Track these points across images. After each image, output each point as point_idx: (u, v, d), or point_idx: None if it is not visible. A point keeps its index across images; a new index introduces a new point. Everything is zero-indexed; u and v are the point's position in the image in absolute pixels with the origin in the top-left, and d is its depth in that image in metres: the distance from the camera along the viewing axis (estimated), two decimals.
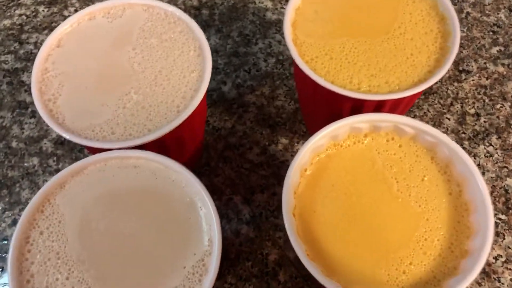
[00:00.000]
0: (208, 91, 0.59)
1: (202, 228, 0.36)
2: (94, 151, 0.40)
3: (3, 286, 0.49)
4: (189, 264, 0.35)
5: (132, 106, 0.40)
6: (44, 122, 0.57)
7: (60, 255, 0.35)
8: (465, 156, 0.37)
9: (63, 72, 0.42)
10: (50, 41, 0.43)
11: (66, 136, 0.39)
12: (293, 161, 0.38)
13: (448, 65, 0.40)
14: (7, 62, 0.63)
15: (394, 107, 0.42)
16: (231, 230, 0.52)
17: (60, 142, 0.57)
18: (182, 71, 0.42)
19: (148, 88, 0.41)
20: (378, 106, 0.41)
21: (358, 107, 0.42)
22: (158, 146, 0.40)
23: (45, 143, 0.57)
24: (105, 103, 0.41)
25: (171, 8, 0.45)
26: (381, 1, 0.45)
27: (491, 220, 0.35)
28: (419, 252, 0.36)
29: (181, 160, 0.47)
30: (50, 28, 0.65)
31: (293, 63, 0.48)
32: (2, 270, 0.50)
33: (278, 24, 0.64)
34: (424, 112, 0.57)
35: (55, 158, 0.56)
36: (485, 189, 0.36)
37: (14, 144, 0.57)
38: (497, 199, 0.52)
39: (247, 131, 0.57)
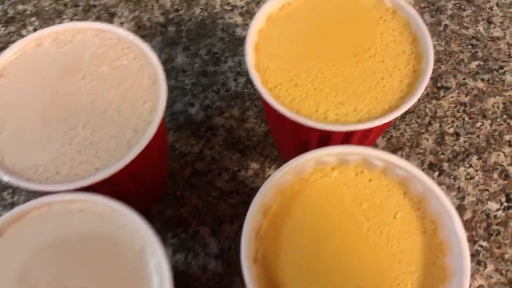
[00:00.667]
0: (173, 113, 0.56)
1: (152, 281, 0.33)
2: (37, 193, 0.36)
3: None
4: None
5: (79, 142, 0.37)
6: None
7: None
8: (439, 192, 0.34)
9: (6, 105, 0.39)
10: None
11: (5, 178, 0.35)
12: (254, 199, 0.35)
13: (421, 90, 0.38)
14: None
15: (364, 136, 0.39)
16: (198, 265, 0.48)
17: None
18: (134, 101, 0.39)
19: (98, 121, 0.38)
20: (347, 136, 0.39)
21: (325, 137, 0.39)
22: (110, 185, 0.37)
23: None
24: (50, 139, 0.37)
25: (124, 33, 0.41)
26: (350, 20, 0.42)
27: (467, 262, 0.32)
28: None
29: (141, 196, 0.44)
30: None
31: None
32: None
33: None
34: (401, 133, 0.54)
35: (10, 191, 0.52)
36: (460, 228, 0.33)
37: None
38: (478, 224, 0.49)
39: (215, 156, 0.53)
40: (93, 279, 0.33)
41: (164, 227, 0.50)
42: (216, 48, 0.60)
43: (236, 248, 0.49)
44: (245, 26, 0.62)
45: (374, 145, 0.53)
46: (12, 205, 0.51)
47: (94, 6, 0.65)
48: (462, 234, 0.33)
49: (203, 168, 0.53)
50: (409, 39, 0.41)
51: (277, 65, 0.40)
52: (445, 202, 0.34)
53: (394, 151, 0.53)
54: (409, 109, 0.52)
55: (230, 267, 0.48)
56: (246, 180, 0.52)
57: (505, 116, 0.55)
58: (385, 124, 0.37)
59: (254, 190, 0.51)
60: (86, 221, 0.35)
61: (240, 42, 0.61)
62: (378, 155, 0.36)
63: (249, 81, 0.58)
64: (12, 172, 0.36)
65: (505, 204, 0.50)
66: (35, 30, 0.62)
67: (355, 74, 0.40)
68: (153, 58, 0.40)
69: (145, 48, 0.40)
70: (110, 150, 0.37)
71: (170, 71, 0.59)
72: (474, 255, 0.47)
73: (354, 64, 0.40)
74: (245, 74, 0.58)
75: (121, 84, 0.39)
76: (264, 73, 0.40)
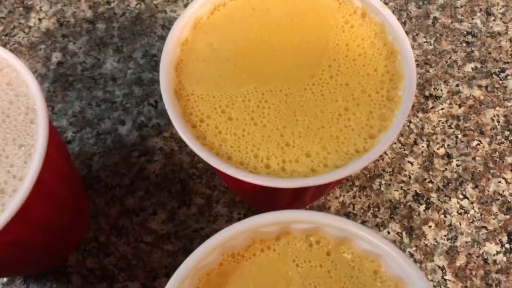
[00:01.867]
0: (100, 134, 0.45)
1: None
2: None
3: None
4: None
5: None
6: None
7: None
8: (419, 274, 0.24)
9: None
10: None
11: None
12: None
13: (398, 126, 0.27)
14: None
15: (319, 190, 0.29)
16: None
17: None
18: (4, 145, 0.28)
19: None
20: (298, 191, 0.28)
21: (270, 191, 0.28)
22: None
23: None
24: None
25: None
26: (306, 27, 0.31)
27: None
28: None
29: (48, 250, 0.34)
30: None
31: None
32: None
33: None
34: (380, 156, 0.44)
35: None
36: None
37: None
38: (473, 272, 0.39)
39: (150, 188, 0.43)
40: None
41: (84, 282, 0.40)
42: (154, 50, 0.49)
43: None
44: None
45: None
46: None
47: None
48: None
49: (134, 205, 0.43)
50: (383, 53, 0.30)
51: (205, 90, 0.30)
52: None
53: (371, 178, 0.43)
54: None
55: None
56: (188, 219, 0.42)
57: (507, 133, 0.45)
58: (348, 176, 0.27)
59: (197, 233, 0.41)
60: None
61: None
62: (336, 224, 0.25)
63: None
64: None
65: (507, 245, 0.40)
66: None
67: (310, 103, 0.29)
68: (33, 85, 0.29)
69: (23, 71, 0.29)
70: None
71: (97, 80, 0.48)
72: None
73: (309, 88, 0.29)
74: None
75: None
76: (187, 103, 0.29)
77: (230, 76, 0.30)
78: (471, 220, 0.41)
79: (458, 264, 0.40)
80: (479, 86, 0.47)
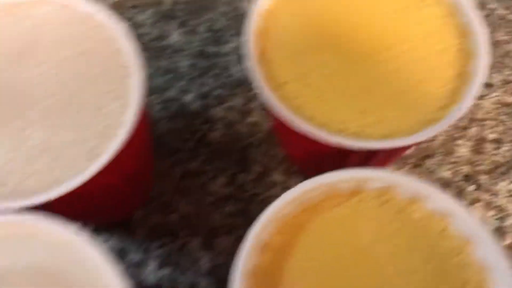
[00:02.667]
0: (165, 101, 0.48)
1: None
2: None
3: None
4: None
5: (31, 147, 0.30)
6: None
7: None
8: (488, 240, 0.26)
9: None
10: None
11: None
12: (250, 234, 0.27)
13: (468, 99, 0.29)
14: None
15: (389, 155, 0.31)
16: (186, 284, 0.41)
17: None
18: (100, 98, 0.31)
19: (54, 122, 0.30)
20: (369, 153, 0.30)
21: (342, 153, 0.31)
22: (71, 200, 0.29)
23: None
24: None
25: (94, 8, 0.33)
26: (382, 4, 0.33)
27: None
28: None
29: (117, 205, 0.37)
30: None
31: None
32: None
33: None
34: (432, 137, 0.45)
35: None
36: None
37: None
38: None
39: (211, 154, 0.46)
40: None
41: (148, 236, 0.43)
42: (218, 25, 0.52)
43: (232, 264, 0.41)
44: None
45: None
46: None
47: None
48: None
49: (196, 168, 0.45)
50: (455, 32, 0.32)
51: (286, 56, 0.32)
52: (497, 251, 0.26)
53: (422, 159, 0.44)
54: None
55: (224, 287, 0.41)
56: (246, 185, 0.45)
57: None
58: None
59: (256, 197, 0.44)
60: (35, 251, 0.28)
61: (245, 19, 0.52)
62: (410, 184, 0.28)
63: None
64: None
65: None
66: None
67: (385, 74, 0.31)
68: (128, 44, 0.32)
69: (119, 30, 0.32)
70: (69, 158, 0.29)
71: (162, 50, 0.50)
72: None
73: (383, 60, 0.32)
74: None
75: (84, 74, 0.31)
76: (269, 67, 0.32)
77: (310, 45, 0.32)
78: None
79: (506, 243, 0.42)
80: None
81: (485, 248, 0.26)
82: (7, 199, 0.28)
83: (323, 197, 0.29)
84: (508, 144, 0.45)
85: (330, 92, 0.31)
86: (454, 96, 0.30)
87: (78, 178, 0.28)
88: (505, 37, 0.50)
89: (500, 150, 0.45)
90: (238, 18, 0.52)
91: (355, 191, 0.29)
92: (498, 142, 0.45)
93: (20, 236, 0.28)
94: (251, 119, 0.47)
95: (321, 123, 0.30)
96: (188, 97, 0.48)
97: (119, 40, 0.32)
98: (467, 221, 0.27)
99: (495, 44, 0.50)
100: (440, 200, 0.27)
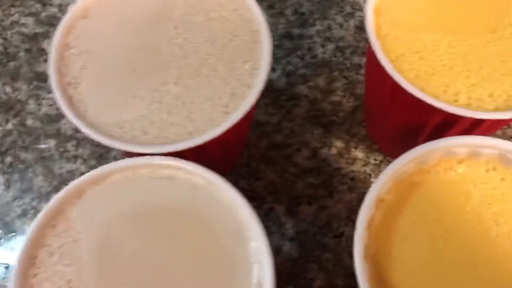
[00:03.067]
0: None
1: (250, 266, 0.29)
2: (122, 153, 0.32)
3: None
4: None
5: (171, 100, 0.33)
6: None
7: (72, 284, 0.29)
8: None
9: (88, 50, 0.35)
10: (75, 10, 0.35)
11: (88, 132, 0.31)
12: (371, 189, 0.30)
13: None
14: (27, 25, 0.55)
15: (491, 127, 0.33)
16: (271, 246, 0.44)
17: None
18: (233, 60, 0.34)
19: (191, 79, 0.33)
20: (473, 125, 0.33)
21: (448, 123, 0.33)
22: (196, 151, 0.32)
23: (64, 124, 0.50)
24: (138, 95, 0.33)
25: None
26: None
27: None
28: None
29: (220, 164, 0.39)
30: None
31: (367, 57, 0.39)
32: (7, 267, 0.44)
33: (340, 4, 0.55)
34: None
35: (74, 142, 0.49)
36: None
37: (29, 121, 0.50)
38: None
39: (296, 129, 0.49)
40: (180, 257, 0.29)
41: None
42: (303, 8, 0.54)
43: (314, 231, 0.44)
44: None
45: None
46: (76, 157, 0.48)
47: None
48: None
49: (281, 141, 0.48)
50: None
51: (400, 33, 0.34)
52: None
53: None
54: None
55: (305, 252, 0.43)
56: (329, 158, 0.47)
57: None
58: None
59: (337, 171, 0.47)
60: (176, 190, 0.31)
61: (330, 4, 0.55)
62: None
63: (338, 49, 0.52)
64: (95, 126, 0.32)
65: None
66: None
67: (492, 53, 0.34)
68: (257, 12, 0.35)
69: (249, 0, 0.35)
70: (204, 113, 0.32)
71: None
72: None
73: (491, 41, 0.34)
74: (335, 40, 0.53)
75: (217, 39, 0.34)
76: (385, 41, 0.34)
77: (422, 23, 0.35)
78: None
79: None
80: None
81: None
82: (150, 145, 0.31)
83: (438, 160, 0.31)
84: None
85: (441, 66, 0.33)
86: None
87: (213, 132, 0.31)
88: None
89: None
90: (323, 3, 0.55)
91: (468, 157, 0.31)
92: None
93: (163, 177, 0.31)
94: (334, 98, 0.50)
95: (434, 94, 0.33)
96: (275, 75, 0.51)
97: (249, 10, 0.35)
98: None
99: None
100: None
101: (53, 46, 0.34)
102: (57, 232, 0.30)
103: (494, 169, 0.32)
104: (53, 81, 0.33)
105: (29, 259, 0.29)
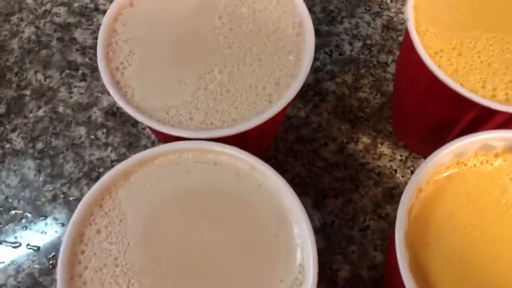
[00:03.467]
0: None
1: (293, 250, 0.29)
2: (165, 138, 0.33)
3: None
4: None
5: (216, 88, 0.33)
6: (95, 88, 0.51)
7: (119, 261, 0.29)
8: None
9: (135, 37, 0.35)
10: None
11: (136, 116, 0.32)
12: (412, 179, 0.31)
13: None
14: (59, 15, 0.56)
15: None
16: None
17: (112, 112, 0.50)
18: (277, 51, 0.35)
19: (235, 68, 0.34)
20: (507, 121, 0.34)
21: (482, 119, 0.34)
22: (237, 138, 0.33)
23: (94, 112, 0.50)
24: (183, 81, 0.34)
25: None
26: None
27: None
28: None
29: (253, 152, 0.40)
30: None
31: (402, 53, 0.40)
32: (38, 249, 0.45)
33: (368, 3, 0.55)
34: None
35: (104, 130, 0.49)
36: None
37: (61, 109, 0.51)
38: None
39: (323, 123, 0.49)
40: (225, 239, 0.30)
41: None
42: (332, 6, 0.55)
43: (340, 224, 0.45)
44: None
45: None
46: (106, 145, 0.49)
47: None
48: None
49: (308, 135, 0.49)
50: None
51: (438, 30, 0.35)
52: None
53: None
54: None
55: (331, 244, 0.44)
56: (355, 154, 0.48)
57: None
58: None
59: (363, 166, 0.47)
60: (220, 174, 0.31)
61: (358, 2, 0.55)
62: None
63: (366, 47, 0.53)
64: (143, 111, 0.33)
65: None
66: None
67: None
68: (300, 5, 0.36)
69: None
70: (248, 101, 0.33)
71: None
72: None
73: None
74: (362, 38, 0.54)
75: (261, 30, 0.35)
76: (423, 37, 0.35)
77: (460, 21, 0.36)
78: None
79: None
80: None
81: None
82: (194, 131, 0.32)
83: (475, 153, 0.32)
84: None
85: (479, 63, 0.34)
86: None
87: (256, 120, 0.32)
88: None
89: None
90: (351, 1, 0.56)
91: (504, 151, 0.32)
92: None
93: (207, 161, 0.32)
94: (361, 94, 0.51)
95: (472, 89, 0.33)
96: None
97: (293, 2, 0.36)
98: None
99: None
100: None
101: (101, 32, 0.34)
102: (105, 211, 0.30)
103: None
104: (100, 65, 0.33)
105: (77, 237, 0.30)
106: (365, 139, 0.49)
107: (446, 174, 0.32)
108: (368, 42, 0.53)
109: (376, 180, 0.47)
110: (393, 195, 0.46)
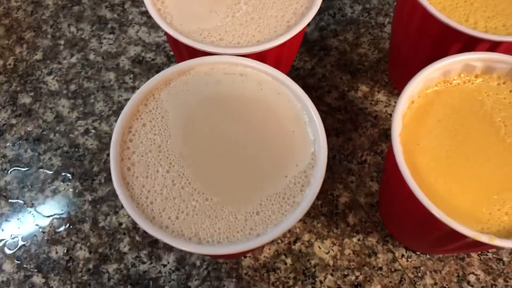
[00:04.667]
0: None
1: (307, 141, 0.35)
2: (198, 55, 0.39)
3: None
4: (290, 174, 0.34)
5: (242, 16, 0.39)
6: (123, 39, 0.57)
7: (161, 148, 0.35)
8: None
9: None
10: None
11: (175, 35, 0.38)
12: (405, 89, 0.37)
13: None
14: None
15: (508, 52, 0.40)
16: None
17: (138, 60, 0.56)
18: None
19: (258, 1, 0.40)
20: (491, 49, 0.40)
21: (469, 47, 0.40)
22: (260, 57, 0.39)
23: (122, 60, 0.56)
24: (214, 10, 0.40)
25: None
26: None
27: None
28: None
29: None
30: None
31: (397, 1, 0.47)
32: (72, 175, 0.50)
33: None
34: None
35: (131, 76, 0.55)
36: None
37: (91, 56, 0.56)
38: None
39: (326, 74, 0.56)
40: (250, 132, 0.35)
41: None
42: None
43: (340, 158, 0.51)
44: None
45: None
46: (133, 88, 0.55)
47: None
48: None
49: (313, 83, 0.55)
50: None
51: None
52: None
53: None
54: None
55: (333, 175, 0.50)
56: (355, 100, 0.54)
57: None
58: None
59: (362, 110, 0.54)
60: (245, 84, 0.37)
61: None
62: None
63: (365, 10, 0.60)
64: (180, 32, 0.39)
65: None
66: None
67: None
68: None
69: None
70: (270, 27, 0.39)
71: None
72: None
73: None
74: (362, 2, 0.60)
75: None
76: None
77: None
78: None
79: None
80: None
81: None
82: (225, 48, 0.38)
83: (459, 73, 0.39)
84: None
85: (463, 2, 0.41)
86: None
87: (276, 41, 0.38)
88: None
89: None
90: None
91: (482, 73, 0.39)
92: None
93: (235, 73, 0.38)
94: (360, 50, 0.57)
95: (457, 22, 0.40)
96: (308, 29, 0.58)
97: None
98: None
99: None
100: None
101: None
102: (149, 109, 0.36)
103: (504, 83, 0.39)
104: None
105: (126, 128, 0.35)
106: (364, 88, 0.55)
107: (435, 89, 0.39)
108: (367, 6, 0.60)
109: (373, 122, 0.53)
110: (388, 135, 0.52)
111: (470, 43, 0.40)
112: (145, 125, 0.36)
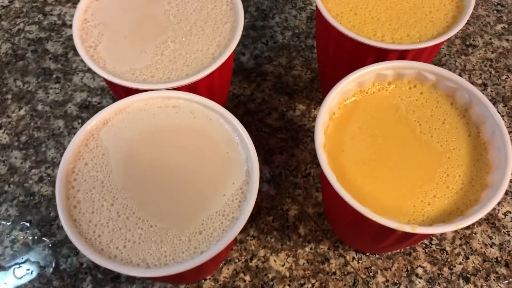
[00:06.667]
0: None
1: (240, 160, 0.38)
2: (133, 93, 0.42)
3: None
4: (228, 192, 0.37)
5: (170, 53, 0.43)
6: (68, 87, 0.59)
7: (104, 183, 0.37)
8: (483, 99, 0.40)
9: (102, 22, 0.44)
10: None
11: (108, 77, 0.41)
12: (323, 103, 0.40)
13: (464, 20, 0.43)
14: (31, 32, 0.64)
15: (415, 59, 0.45)
16: None
17: (85, 106, 0.59)
18: (215, 22, 0.44)
19: (184, 38, 0.44)
20: (401, 58, 0.44)
21: (381, 58, 0.44)
22: (191, 89, 0.42)
23: (69, 107, 0.58)
24: (144, 51, 0.43)
25: None
26: None
27: (510, 156, 0.38)
28: (442, 186, 0.38)
29: None
30: (73, 1, 0.67)
31: (317, 19, 0.51)
32: (30, 223, 0.51)
33: (293, 0, 0.67)
34: None
35: (79, 121, 0.57)
36: (503, 127, 0.39)
37: (39, 107, 0.59)
38: None
39: (265, 98, 0.59)
40: (187, 158, 0.38)
41: None
42: (264, 6, 0.66)
43: (286, 174, 0.54)
44: None
45: None
46: None
47: None
48: (505, 133, 0.38)
49: (254, 107, 0.58)
50: None
51: None
52: (489, 106, 0.40)
53: None
54: (441, 62, 0.59)
55: (281, 190, 0.53)
56: (294, 119, 0.58)
57: None
58: (435, 46, 0.43)
59: (301, 128, 0.57)
60: (179, 114, 0.40)
61: (286, 1, 0.67)
62: (431, 69, 0.41)
63: (295, 35, 0.64)
64: (113, 74, 0.41)
65: None
66: None
67: (406, 8, 0.46)
68: None
69: None
70: (197, 60, 0.42)
71: None
72: None
73: (404, 0, 0.46)
74: (291, 28, 0.64)
75: (203, 9, 0.45)
76: (327, 4, 0.46)
77: None
78: None
79: None
80: (507, 40, 0.64)
81: (482, 108, 0.40)
82: (157, 84, 0.41)
83: (373, 82, 0.42)
84: (492, 87, 0.60)
85: (370, 18, 0.45)
86: (454, 19, 0.45)
87: (204, 72, 0.41)
88: (484, 12, 0.66)
89: (486, 91, 0.60)
90: (279, 1, 0.67)
91: (393, 80, 0.43)
92: (484, 85, 0.60)
93: (168, 106, 0.41)
94: (294, 72, 0.61)
95: (366, 37, 0.44)
96: (244, 58, 0.62)
97: None
98: (467, 91, 0.40)
99: (477, 17, 0.65)
100: (449, 81, 0.41)
101: (75, 21, 0.43)
102: (89, 148, 0.39)
103: (415, 86, 0.43)
104: (77, 45, 0.42)
105: (70, 169, 0.38)
106: (301, 106, 0.59)
107: (352, 99, 0.42)
108: (296, 31, 0.64)
109: (312, 137, 0.56)
110: None
111: (381, 54, 0.44)
112: (87, 164, 0.38)
